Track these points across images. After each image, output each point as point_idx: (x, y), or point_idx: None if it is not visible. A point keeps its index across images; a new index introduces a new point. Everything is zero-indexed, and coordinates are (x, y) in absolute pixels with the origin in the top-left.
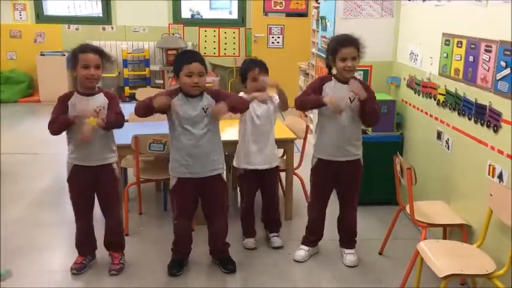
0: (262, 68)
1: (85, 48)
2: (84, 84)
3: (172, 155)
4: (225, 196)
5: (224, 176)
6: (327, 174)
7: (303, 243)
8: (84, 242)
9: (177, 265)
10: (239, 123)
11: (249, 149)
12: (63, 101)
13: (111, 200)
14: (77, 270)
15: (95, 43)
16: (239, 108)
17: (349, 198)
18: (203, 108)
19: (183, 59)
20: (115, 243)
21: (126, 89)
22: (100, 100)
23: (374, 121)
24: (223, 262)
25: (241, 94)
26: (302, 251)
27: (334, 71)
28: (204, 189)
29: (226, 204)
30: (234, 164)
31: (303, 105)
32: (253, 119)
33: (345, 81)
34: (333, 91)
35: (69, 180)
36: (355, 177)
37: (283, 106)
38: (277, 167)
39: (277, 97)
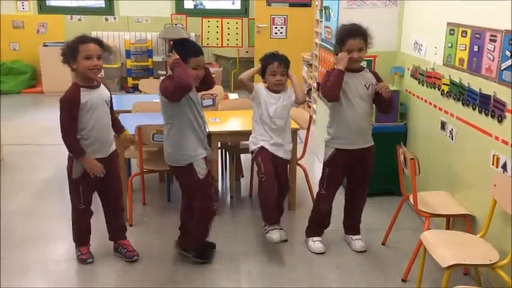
0: (282, 61)
1: (85, 39)
2: (87, 76)
3: None
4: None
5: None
6: (343, 165)
7: (314, 235)
8: (89, 231)
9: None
10: (253, 114)
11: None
12: (74, 104)
13: (120, 184)
14: (89, 258)
15: (98, 34)
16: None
17: (364, 183)
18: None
19: (190, 50)
20: (123, 228)
21: (129, 79)
22: (105, 92)
23: (390, 110)
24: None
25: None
26: (318, 243)
27: None
28: None
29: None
30: (251, 147)
31: (333, 89)
32: (268, 117)
33: (355, 70)
34: (347, 80)
35: (84, 173)
36: (371, 162)
37: (299, 97)
38: (288, 161)
39: (293, 94)
